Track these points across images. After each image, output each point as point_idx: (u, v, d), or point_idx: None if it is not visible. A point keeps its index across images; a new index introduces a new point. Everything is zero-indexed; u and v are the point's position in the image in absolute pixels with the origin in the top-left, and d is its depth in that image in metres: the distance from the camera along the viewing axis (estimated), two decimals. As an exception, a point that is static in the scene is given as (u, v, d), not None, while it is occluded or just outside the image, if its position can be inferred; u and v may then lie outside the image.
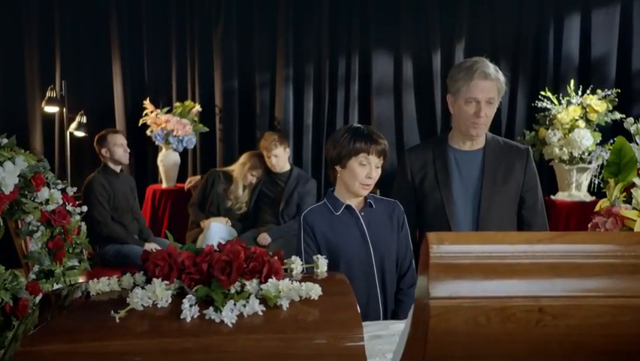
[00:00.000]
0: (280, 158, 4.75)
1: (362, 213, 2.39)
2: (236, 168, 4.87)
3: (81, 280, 2.57)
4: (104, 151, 4.47)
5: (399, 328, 1.91)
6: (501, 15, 5.53)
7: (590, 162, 4.72)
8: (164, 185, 5.54)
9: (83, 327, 1.40)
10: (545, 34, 5.46)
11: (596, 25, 5.34)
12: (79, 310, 1.53)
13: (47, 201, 2.30)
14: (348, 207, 2.39)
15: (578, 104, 4.75)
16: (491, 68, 2.53)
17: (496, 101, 2.56)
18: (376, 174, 2.36)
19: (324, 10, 5.64)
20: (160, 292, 1.45)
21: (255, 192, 4.85)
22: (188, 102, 5.56)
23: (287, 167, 4.83)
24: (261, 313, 1.42)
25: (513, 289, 0.97)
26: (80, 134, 5.28)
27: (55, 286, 2.25)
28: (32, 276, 2.24)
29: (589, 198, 4.81)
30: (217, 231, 4.56)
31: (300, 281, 1.52)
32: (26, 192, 2.25)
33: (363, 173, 2.33)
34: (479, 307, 0.97)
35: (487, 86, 2.51)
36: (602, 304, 0.98)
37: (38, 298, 2.06)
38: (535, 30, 5.51)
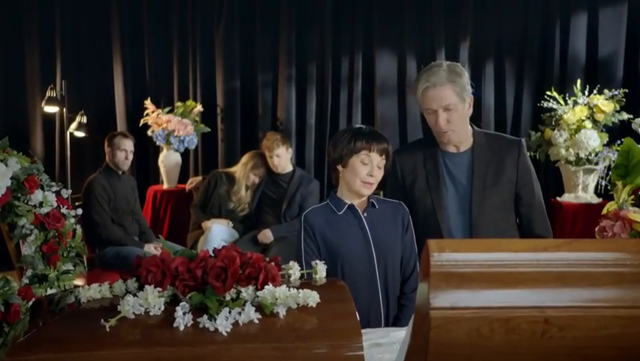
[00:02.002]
0: (282, 158, 4.71)
1: (365, 214, 2.35)
2: (238, 169, 4.84)
3: (80, 283, 2.54)
4: (107, 151, 4.51)
5: (399, 336, 1.87)
6: (506, 14, 5.49)
7: (596, 164, 4.68)
8: (165, 186, 5.52)
9: (71, 336, 1.36)
10: (551, 33, 5.42)
11: (603, 24, 5.29)
12: (68, 318, 1.49)
13: (41, 204, 2.27)
14: (351, 208, 2.35)
15: (585, 105, 4.70)
16: (442, 73, 2.41)
17: (460, 104, 2.45)
18: (378, 173, 2.32)
19: (327, 9, 5.61)
20: (152, 300, 1.41)
21: (257, 193, 4.82)
22: (190, 102, 5.54)
23: (289, 167, 4.80)
24: (257, 321, 1.39)
25: (517, 299, 0.94)
26: (80, 134, 5.26)
27: (49, 291, 2.22)
28: (25, 280, 2.21)
29: (596, 199, 4.77)
30: (218, 232, 4.55)
31: (298, 288, 1.49)
32: (19, 195, 2.22)
33: (364, 171, 2.30)
34: (482, 318, 0.94)
35: (438, 95, 2.42)
36: (610, 315, 0.95)
37: (31, 303, 2.02)
38: (541, 29, 5.47)
